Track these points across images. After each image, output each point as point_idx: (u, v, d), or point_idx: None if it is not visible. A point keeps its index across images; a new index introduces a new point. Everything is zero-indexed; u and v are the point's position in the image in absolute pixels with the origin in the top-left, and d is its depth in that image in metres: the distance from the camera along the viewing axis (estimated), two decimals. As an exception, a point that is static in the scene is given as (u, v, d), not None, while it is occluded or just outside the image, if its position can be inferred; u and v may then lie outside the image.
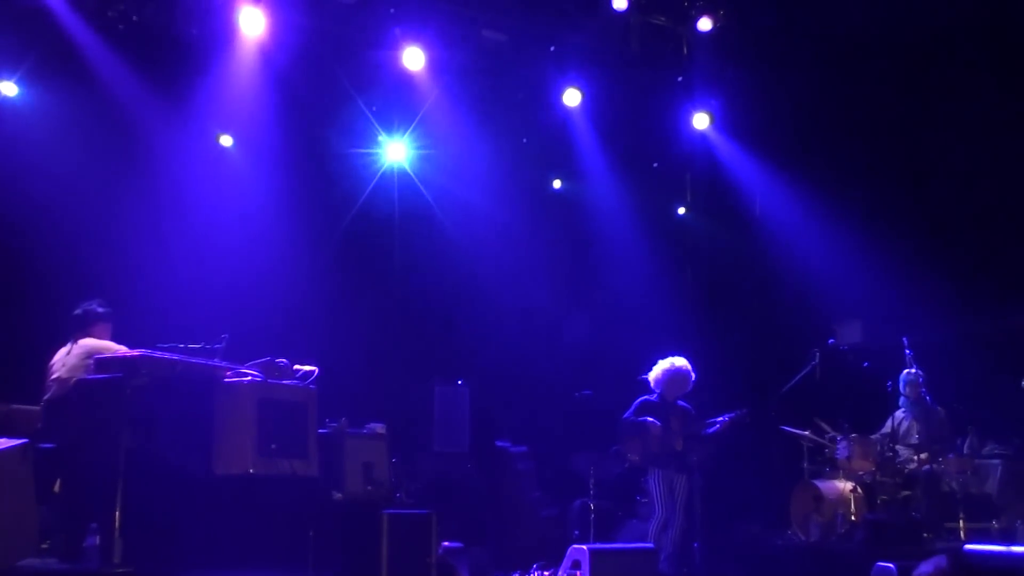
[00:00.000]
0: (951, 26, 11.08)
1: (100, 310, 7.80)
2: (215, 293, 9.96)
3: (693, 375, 9.95)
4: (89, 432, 6.78)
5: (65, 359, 7.61)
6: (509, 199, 12.82)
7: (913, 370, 10.88)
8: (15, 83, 9.47)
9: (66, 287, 8.32)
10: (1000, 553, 8.20)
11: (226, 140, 11.04)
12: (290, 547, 6.98)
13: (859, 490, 10.52)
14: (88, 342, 7.60)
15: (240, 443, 6.82)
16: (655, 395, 9.97)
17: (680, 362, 9.96)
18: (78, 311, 7.77)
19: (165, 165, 10.29)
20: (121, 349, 7.44)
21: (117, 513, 6.37)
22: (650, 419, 9.75)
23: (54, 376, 7.58)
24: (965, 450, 10.87)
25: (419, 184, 12.32)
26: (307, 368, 7.68)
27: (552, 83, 11.79)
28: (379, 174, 12.26)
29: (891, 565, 6.73)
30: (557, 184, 13.67)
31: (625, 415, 9.95)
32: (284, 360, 7.54)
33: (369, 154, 11.98)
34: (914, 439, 10.71)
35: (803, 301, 12.64)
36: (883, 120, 12.03)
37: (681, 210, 14.27)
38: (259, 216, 10.79)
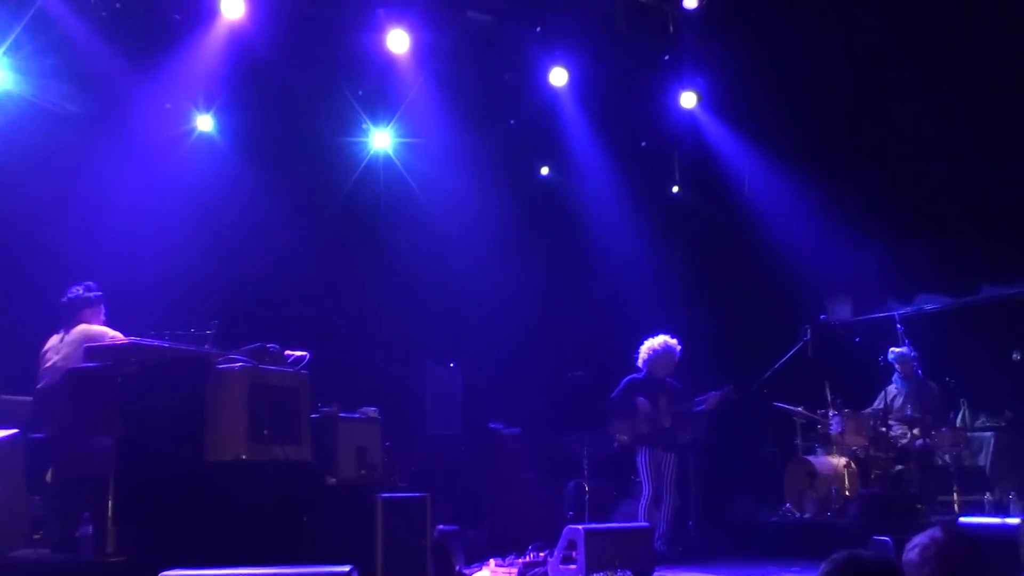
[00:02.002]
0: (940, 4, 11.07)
1: (89, 295, 7.69)
2: (204, 280, 9.92)
3: (678, 350, 10.02)
4: (80, 421, 6.73)
5: (58, 347, 7.53)
6: (497, 181, 12.78)
7: (905, 347, 10.91)
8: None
9: (53, 274, 8.24)
10: (994, 525, 8.23)
11: (207, 124, 10.80)
12: (284, 532, 6.95)
13: (853, 465, 10.56)
14: (81, 329, 7.52)
15: (232, 429, 6.78)
16: (642, 373, 10.03)
17: (663, 339, 10.04)
18: (67, 297, 7.67)
19: (151, 151, 10.20)
20: (115, 335, 7.40)
21: (110, 502, 6.33)
22: (638, 398, 9.81)
23: (47, 364, 7.51)
24: (957, 423, 10.91)
25: (406, 169, 12.28)
26: (298, 353, 7.66)
27: (539, 64, 11.74)
28: (366, 158, 12.22)
29: (887, 538, 6.74)
30: (545, 171, 13.67)
31: (612, 395, 10.00)
32: (275, 345, 7.50)
33: (356, 136, 11.92)
34: (907, 414, 10.74)
35: (794, 278, 12.65)
36: (870, 96, 12.00)
37: (675, 188, 14.21)
38: (248, 202, 10.70)
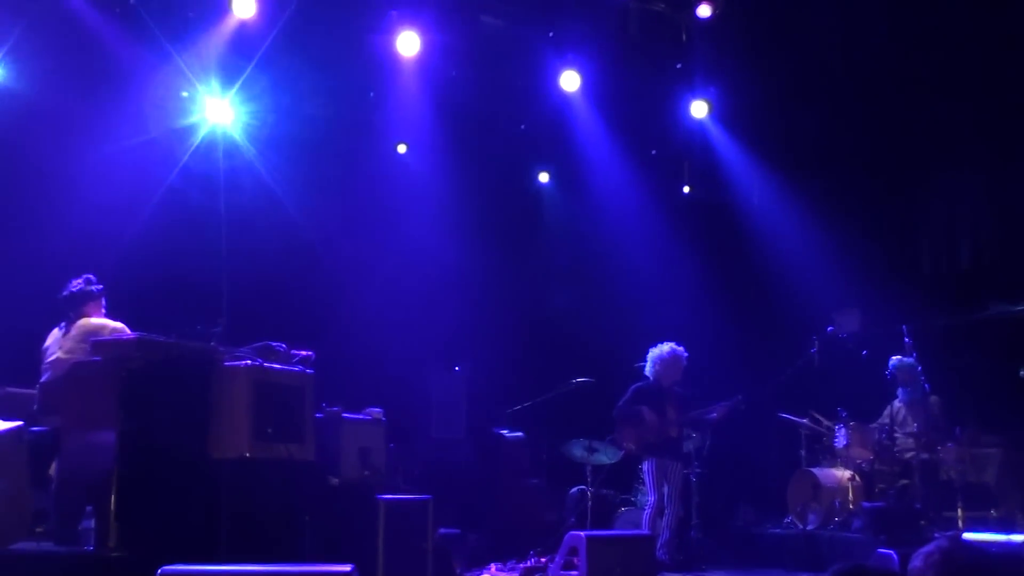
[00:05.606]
0: (947, 20, 11.04)
1: (90, 288, 7.60)
2: (211, 277, 9.89)
3: (685, 358, 9.98)
4: (83, 415, 6.72)
5: (61, 341, 7.46)
6: (504, 185, 12.77)
7: (911, 359, 10.83)
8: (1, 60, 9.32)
9: (59, 267, 8.20)
10: (998, 542, 8.19)
11: (221, 116, 10.68)
12: (286, 531, 6.95)
13: (857, 478, 10.51)
14: (85, 322, 7.44)
15: (236, 427, 6.77)
16: (649, 381, 9.99)
17: (669, 346, 10.00)
18: (68, 291, 7.57)
19: (161, 149, 10.20)
20: (119, 327, 7.37)
21: (112, 497, 6.31)
22: (645, 407, 9.77)
23: (51, 358, 7.44)
24: (964, 439, 10.83)
25: (414, 171, 12.29)
26: (304, 352, 7.65)
27: (550, 69, 11.73)
28: (375, 159, 12.23)
29: (891, 552, 6.71)
30: (544, 178, 13.67)
31: (619, 403, 9.96)
32: (281, 344, 7.49)
33: (365, 137, 11.93)
34: (911, 428, 10.68)
35: (802, 290, 12.62)
36: (883, 111, 11.98)
37: (686, 189, 14.13)
38: (258, 199, 10.71)
